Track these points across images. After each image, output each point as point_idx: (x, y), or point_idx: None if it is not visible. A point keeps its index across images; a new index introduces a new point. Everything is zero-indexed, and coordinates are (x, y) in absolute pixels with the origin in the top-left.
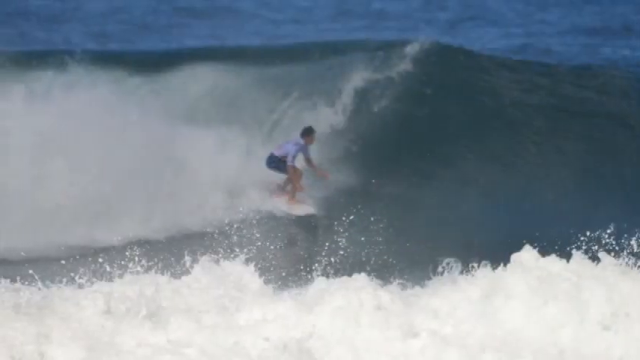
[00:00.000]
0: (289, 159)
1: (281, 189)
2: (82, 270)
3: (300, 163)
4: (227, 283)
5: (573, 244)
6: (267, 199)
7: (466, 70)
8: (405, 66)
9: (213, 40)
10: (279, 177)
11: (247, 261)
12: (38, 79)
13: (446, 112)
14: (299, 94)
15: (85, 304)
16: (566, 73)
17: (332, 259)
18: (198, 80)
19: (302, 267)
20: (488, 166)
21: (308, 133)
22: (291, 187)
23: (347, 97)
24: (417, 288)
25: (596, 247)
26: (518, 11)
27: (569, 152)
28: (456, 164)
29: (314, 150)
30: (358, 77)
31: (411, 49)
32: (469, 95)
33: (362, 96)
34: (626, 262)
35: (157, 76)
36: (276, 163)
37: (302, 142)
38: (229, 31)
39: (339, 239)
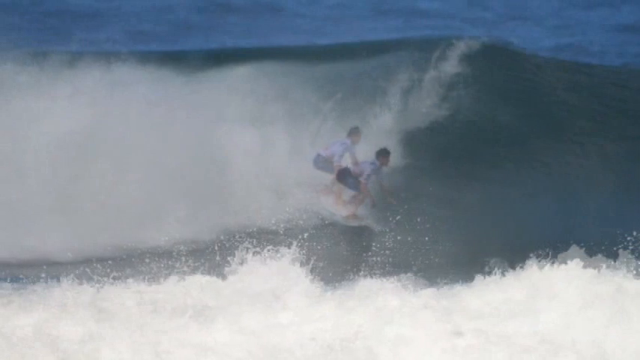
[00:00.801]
0: (336, 158)
1: (328, 189)
2: (128, 270)
3: (346, 161)
4: (272, 283)
5: (619, 244)
6: (313, 198)
7: (511, 69)
8: (451, 65)
9: (249, 38)
10: (326, 177)
11: (293, 261)
12: (83, 78)
13: (491, 113)
14: (343, 94)
15: (131, 303)
16: (610, 73)
17: (377, 259)
18: (242, 80)
19: (348, 267)
20: (533, 167)
21: (383, 154)
22: (337, 187)
23: (392, 97)
24: (462, 288)
25: None
26: (557, 10)
27: (613, 153)
28: (501, 165)
29: (387, 171)
30: (404, 77)
31: (457, 48)
32: (514, 95)
33: (407, 96)
34: None
35: (201, 75)
36: (323, 163)
37: (348, 141)
38: (265, 29)
39: (384, 239)
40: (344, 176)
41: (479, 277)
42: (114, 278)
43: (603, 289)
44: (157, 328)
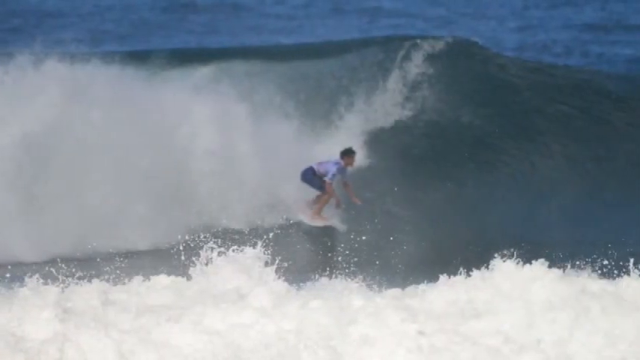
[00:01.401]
0: (329, 176)
1: (309, 204)
2: (93, 270)
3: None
4: (237, 283)
5: (584, 244)
6: (291, 211)
7: (475, 68)
8: (415, 65)
9: (213, 37)
10: (310, 192)
11: (258, 260)
12: (46, 78)
13: (455, 113)
14: (307, 94)
15: (95, 303)
16: (573, 73)
17: (342, 259)
18: (206, 80)
19: (312, 267)
20: (497, 167)
21: (347, 154)
22: (319, 204)
23: (356, 97)
24: (427, 287)
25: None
26: (521, 9)
27: (576, 154)
28: (465, 165)
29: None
30: (368, 76)
31: (420, 48)
32: (478, 95)
33: (371, 95)
34: None
35: (164, 75)
36: (311, 177)
37: (341, 163)
38: (230, 28)
39: (349, 239)
40: (309, 176)
41: (443, 277)
42: (79, 278)
43: (568, 289)
44: (121, 328)
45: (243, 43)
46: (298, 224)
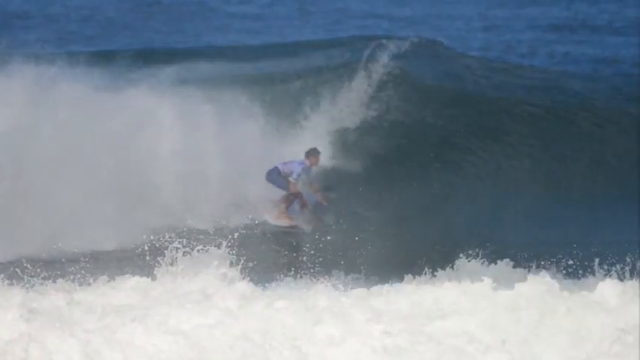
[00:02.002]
0: (294, 176)
1: (275, 204)
2: (58, 270)
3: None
4: (202, 283)
5: (548, 244)
6: (257, 212)
7: (441, 69)
8: (381, 65)
9: (178, 38)
10: (275, 192)
11: (223, 261)
12: (12, 79)
13: (420, 113)
14: (273, 95)
15: (61, 304)
16: (538, 73)
17: (307, 259)
18: (171, 80)
19: (278, 267)
20: (462, 168)
21: (312, 153)
22: (284, 204)
23: (322, 98)
24: (392, 288)
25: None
26: (486, 9)
27: (542, 154)
28: (430, 165)
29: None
30: (333, 77)
31: (386, 48)
32: (444, 95)
33: (337, 96)
34: None
35: (130, 75)
36: (278, 177)
37: (306, 162)
38: (195, 29)
39: (314, 240)
40: (274, 176)
41: (409, 277)
42: (44, 278)
43: (533, 289)
44: (86, 328)
45: (209, 43)
46: (263, 224)
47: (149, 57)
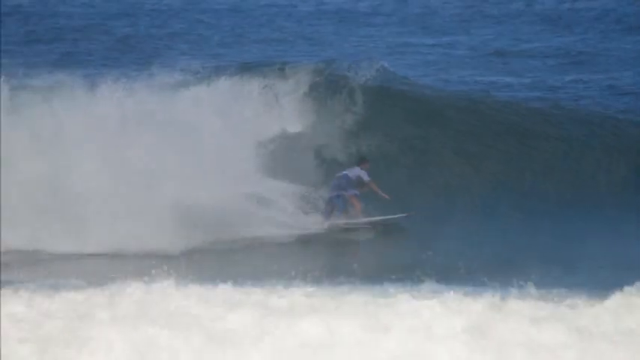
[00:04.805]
0: (366, 178)
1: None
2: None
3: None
4: None
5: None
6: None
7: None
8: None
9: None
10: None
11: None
12: None
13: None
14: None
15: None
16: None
17: None
18: None
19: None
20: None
21: (366, 160)
22: (359, 203)
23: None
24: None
25: None
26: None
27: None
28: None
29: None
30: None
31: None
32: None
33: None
34: None
35: None
36: (347, 182)
37: (363, 167)
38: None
39: None
40: (342, 182)
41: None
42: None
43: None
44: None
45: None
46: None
47: None
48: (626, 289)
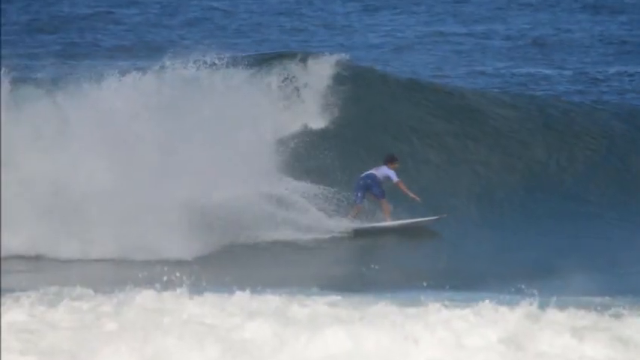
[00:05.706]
0: (394, 178)
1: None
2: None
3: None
4: None
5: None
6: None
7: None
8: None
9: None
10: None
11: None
12: None
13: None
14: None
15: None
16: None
17: None
18: None
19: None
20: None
21: (395, 159)
22: (388, 204)
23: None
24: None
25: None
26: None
27: (456, 173)
28: None
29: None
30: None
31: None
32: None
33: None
34: None
35: None
36: (374, 182)
37: (391, 167)
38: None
39: None
40: (369, 180)
41: None
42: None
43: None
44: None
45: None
46: None
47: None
48: None
